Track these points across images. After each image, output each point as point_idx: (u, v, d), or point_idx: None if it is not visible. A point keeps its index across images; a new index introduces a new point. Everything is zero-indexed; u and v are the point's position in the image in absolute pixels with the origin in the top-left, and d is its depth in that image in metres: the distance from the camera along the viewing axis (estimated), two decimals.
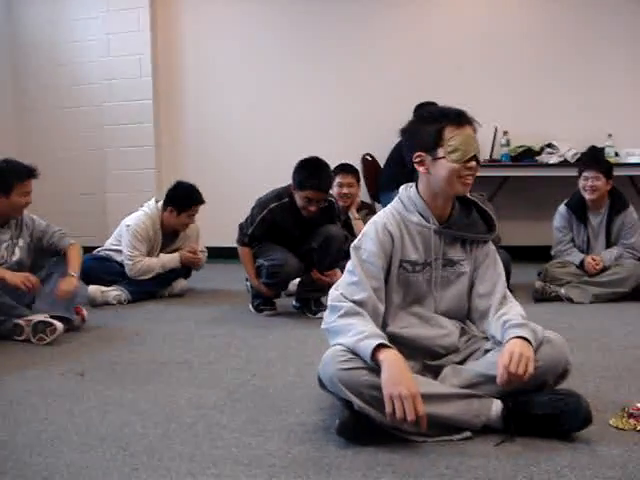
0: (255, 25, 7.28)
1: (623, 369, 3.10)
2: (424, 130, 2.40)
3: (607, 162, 5.29)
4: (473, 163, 2.37)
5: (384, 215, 2.52)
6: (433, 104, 6.36)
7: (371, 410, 2.17)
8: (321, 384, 2.33)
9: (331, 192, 5.16)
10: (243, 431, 2.37)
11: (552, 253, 5.15)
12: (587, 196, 4.94)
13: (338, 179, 5.14)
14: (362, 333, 2.24)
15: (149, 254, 5.05)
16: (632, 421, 2.35)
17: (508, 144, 6.48)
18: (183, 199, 5.09)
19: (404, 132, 2.51)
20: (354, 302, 2.35)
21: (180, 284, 5.19)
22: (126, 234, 4.99)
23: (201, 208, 5.31)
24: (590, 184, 4.91)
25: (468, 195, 2.60)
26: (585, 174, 4.94)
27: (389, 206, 2.56)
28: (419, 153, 2.41)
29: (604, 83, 6.77)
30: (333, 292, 2.44)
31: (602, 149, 6.27)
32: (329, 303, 2.42)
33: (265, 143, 7.25)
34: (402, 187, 2.57)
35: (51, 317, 3.75)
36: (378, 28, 7.09)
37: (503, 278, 2.62)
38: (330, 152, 5.93)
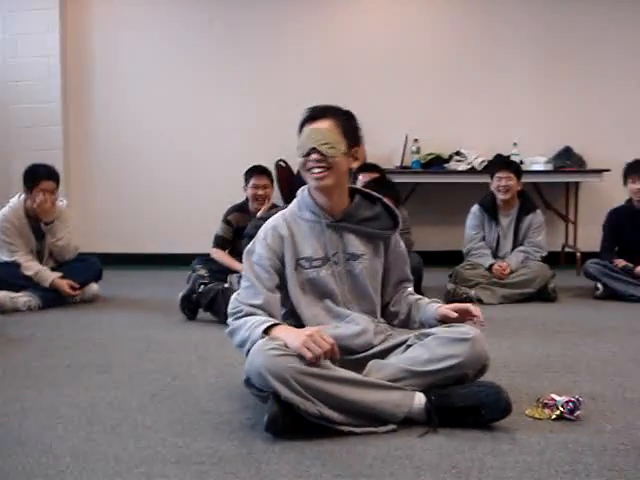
0: (167, 26, 7.21)
1: (533, 365, 3.22)
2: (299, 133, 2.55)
3: (516, 164, 5.51)
4: (314, 155, 2.46)
5: (275, 218, 2.61)
6: None
7: (298, 399, 2.20)
8: (247, 383, 2.34)
9: (245, 193, 5.21)
10: (168, 431, 2.36)
11: (464, 250, 5.32)
12: (501, 196, 5.14)
13: (253, 181, 5.15)
14: (254, 324, 2.36)
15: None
16: (547, 411, 2.45)
17: (418, 151, 6.62)
18: (27, 177, 4.97)
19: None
20: (250, 306, 2.44)
21: (92, 289, 5.08)
22: None
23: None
24: (504, 184, 5.11)
25: (372, 192, 2.69)
26: (498, 175, 5.15)
27: (286, 208, 2.66)
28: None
29: (510, 93, 7.02)
30: (232, 298, 2.52)
31: (508, 157, 6.47)
32: (229, 310, 2.50)
33: (177, 147, 7.17)
34: (300, 189, 2.65)
35: None
36: (290, 33, 7.14)
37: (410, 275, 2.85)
38: (243, 157, 5.98)
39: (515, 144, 6.57)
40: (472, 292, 4.91)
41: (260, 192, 5.10)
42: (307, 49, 7.14)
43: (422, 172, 6.50)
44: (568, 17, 7.02)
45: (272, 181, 5.31)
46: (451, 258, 5.76)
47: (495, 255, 5.19)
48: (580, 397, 2.47)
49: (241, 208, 5.24)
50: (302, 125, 2.51)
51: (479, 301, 4.84)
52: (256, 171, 5.20)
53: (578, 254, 6.46)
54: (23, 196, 5.00)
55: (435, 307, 2.64)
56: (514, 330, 4.04)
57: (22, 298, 4.74)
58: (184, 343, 3.76)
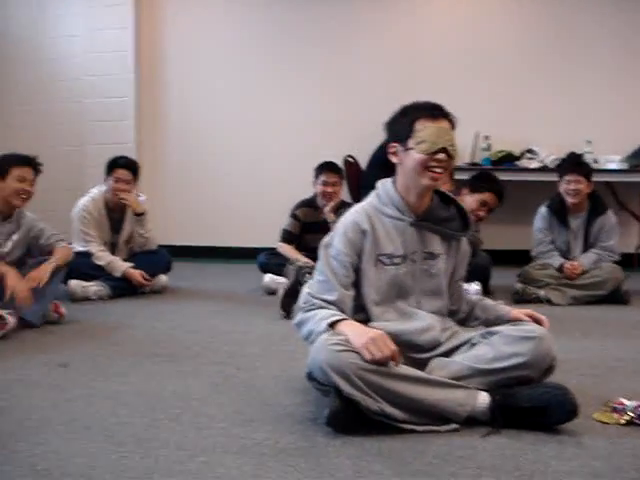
0: (239, 25, 7.28)
1: (603, 368, 3.14)
2: (400, 122, 2.48)
3: (587, 165, 5.35)
4: (441, 155, 2.40)
5: (355, 211, 2.56)
6: None
7: (359, 395, 2.18)
8: (309, 377, 2.34)
9: (314, 188, 5.22)
10: (230, 422, 2.37)
11: (532, 254, 5.19)
12: (569, 200, 4.99)
13: (323, 177, 5.16)
14: (322, 317, 2.34)
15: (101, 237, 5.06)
16: (615, 415, 2.38)
17: (489, 148, 6.53)
18: (107, 166, 5.17)
19: (385, 125, 2.56)
20: (323, 300, 2.42)
21: (161, 280, 5.16)
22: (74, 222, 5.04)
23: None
24: (572, 187, 4.95)
25: (446, 192, 2.65)
26: (567, 178, 4.99)
27: (364, 201, 2.60)
28: (393, 144, 2.49)
29: (584, 90, 6.86)
30: (304, 292, 2.50)
31: (579, 156, 6.32)
32: (300, 304, 2.49)
33: (248, 143, 7.23)
34: (380, 181, 2.61)
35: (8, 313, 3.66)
36: (361, 30, 7.12)
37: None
38: (312, 153, 6.00)
39: (589, 142, 6.41)
40: (541, 292, 4.81)
41: (329, 189, 5.10)
42: (378, 45, 7.10)
43: (492, 169, 6.37)
44: None
45: (342, 178, 5.31)
46: (521, 257, 5.64)
47: (565, 259, 5.03)
48: None
49: (309, 203, 5.26)
50: (414, 118, 2.42)
51: (548, 302, 4.76)
52: (327, 168, 5.20)
53: None
54: (104, 187, 5.11)
55: (507, 309, 2.64)
56: (584, 332, 3.94)
57: (93, 287, 4.84)
58: (249, 335, 3.79)
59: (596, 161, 6.45)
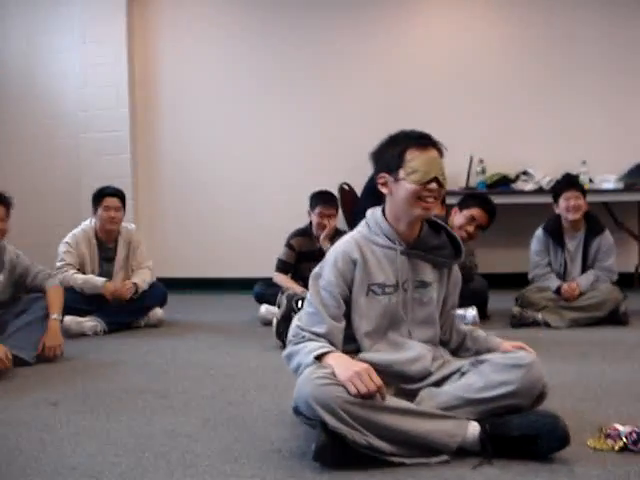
0: (232, 56, 7.32)
1: (601, 391, 3.09)
2: (388, 152, 2.44)
3: (582, 185, 5.34)
4: (433, 185, 2.38)
5: (346, 241, 2.52)
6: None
7: (346, 429, 2.14)
8: (296, 411, 2.30)
9: (309, 217, 5.20)
10: (217, 458, 2.34)
11: (529, 277, 5.15)
12: (570, 217, 4.94)
13: (319, 209, 5.14)
14: (310, 350, 2.31)
15: (84, 265, 5.00)
16: (610, 441, 2.34)
17: (484, 172, 6.53)
18: (94, 196, 5.18)
19: (372, 155, 2.53)
20: (313, 333, 2.38)
21: (156, 314, 5.12)
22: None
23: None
24: (573, 204, 4.92)
25: (437, 220, 2.62)
26: (567, 194, 4.95)
27: (354, 230, 2.57)
28: (383, 174, 2.45)
29: (578, 110, 6.85)
30: (293, 324, 2.46)
31: (577, 176, 6.31)
32: (289, 336, 2.44)
33: (243, 173, 7.24)
34: (369, 211, 2.58)
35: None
36: (355, 58, 7.15)
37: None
38: (308, 181, 5.99)
39: (584, 162, 6.40)
40: (539, 316, 4.78)
41: (326, 222, 5.07)
42: (371, 72, 7.12)
43: (487, 193, 6.36)
44: (634, 31, 6.82)
45: (337, 208, 5.29)
46: (518, 280, 5.60)
47: (563, 281, 4.99)
48: None
49: (304, 232, 5.24)
50: (403, 148, 2.39)
51: (546, 325, 4.72)
52: (323, 199, 5.18)
53: None
54: (93, 220, 5.11)
55: (498, 342, 2.62)
56: (581, 355, 3.90)
57: (88, 323, 4.81)
58: (242, 368, 3.75)
59: (592, 181, 6.44)
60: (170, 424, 2.74)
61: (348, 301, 2.47)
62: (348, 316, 2.48)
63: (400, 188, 2.41)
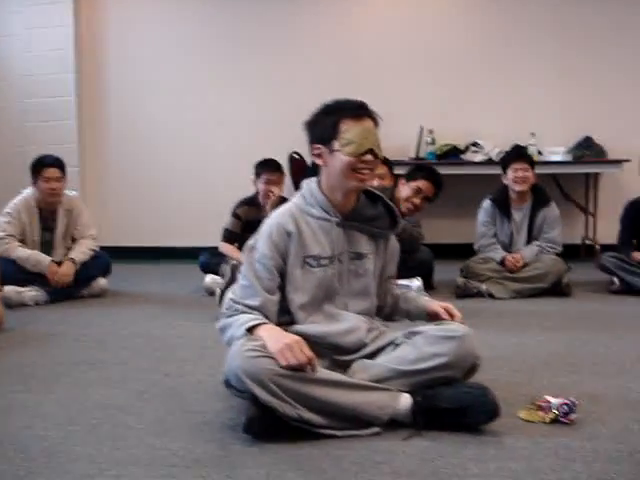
0: (179, 24, 7.14)
1: (537, 362, 3.12)
2: (322, 122, 2.39)
3: (530, 156, 5.37)
4: (368, 157, 2.34)
5: (281, 213, 2.48)
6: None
7: (276, 402, 2.12)
8: (227, 384, 2.27)
9: (255, 186, 5.15)
10: (148, 431, 2.31)
11: (475, 247, 5.18)
12: (517, 188, 4.98)
13: (265, 176, 5.08)
14: (244, 321, 2.28)
15: (25, 235, 4.91)
16: (541, 413, 2.35)
17: (434, 142, 6.51)
18: (33, 167, 5.01)
19: (306, 124, 2.47)
20: (246, 306, 2.35)
21: (100, 284, 5.04)
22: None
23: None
24: (521, 175, 4.96)
25: (374, 190, 2.59)
26: (514, 166, 4.99)
27: (290, 202, 2.52)
28: (317, 145, 2.40)
29: (528, 82, 6.85)
30: (227, 297, 2.43)
31: (525, 148, 6.33)
32: (223, 310, 2.41)
33: (191, 142, 7.11)
34: (305, 181, 2.54)
35: None
36: (306, 25, 7.05)
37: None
38: (258, 149, 5.91)
39: (533, 134, 6.41)
40: (483, 286, 4.79)
41: (272, 188, 5.01)
42: (322, 41, 7.03)
43: (437, 164, 6.36)
44: (588, 5, 6.83)
45: (283, 175, 5.24)
46: (466, 251, 5.61)
47: (508, 251, 5.02)
48: (575, 399, 2.36)
49: (250, 201, 5.18)
50: (337, 119, 2.34)
51: (490, 295, 4.74)
52: (268, 165, 5.12)
53: (597, 247, 6.31)
54: (33, 190, 4.99)
55: (426, 300, 2.63)
56: (522, 326, 3.92)
57: (29, 293, 4.71)
58: (183, 339, 3.71)
59: (540, 153, 6.46)
60: (104, 396, 2.70)
61: (283, 273, 2.43)
62: (283, 288, 2.45)
63: (335, 160, 2.37)
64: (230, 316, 2.37)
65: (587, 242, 6.76)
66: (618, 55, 6.80)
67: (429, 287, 4.96)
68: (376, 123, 2.42)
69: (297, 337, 2.20)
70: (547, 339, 3.58)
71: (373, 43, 6.97)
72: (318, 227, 2.44)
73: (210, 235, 5.67)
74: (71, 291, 4.89)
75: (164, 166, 7.13)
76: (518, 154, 5.26)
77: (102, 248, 5.30)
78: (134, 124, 7.17)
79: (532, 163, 5.07)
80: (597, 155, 6.51)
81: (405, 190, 4.58)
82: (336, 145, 2.34)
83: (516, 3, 6.89)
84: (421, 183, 4.53)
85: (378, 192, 2.61)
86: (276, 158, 5.40)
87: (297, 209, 2.48)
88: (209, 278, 5.01)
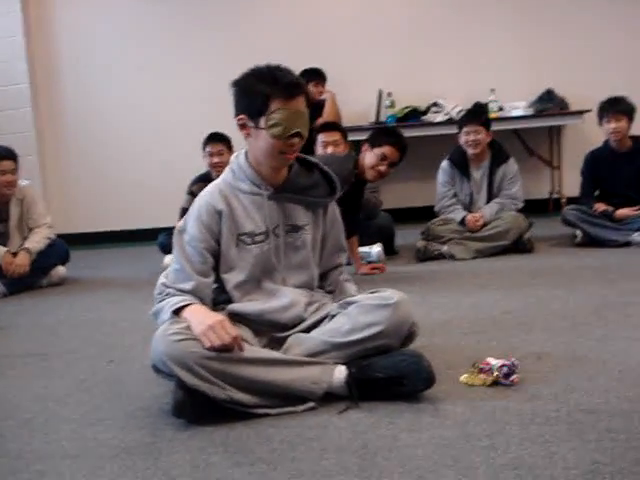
0: (133, 2, 7.01)
1: (488, 323, 3.06)
2: (251, 92, 2.26)
3: (485, 115, 5.30)
4: (295, 140, 2.25)
5: (209, 191, 2.39)
6: (318, 70, 6.28)
7: (204, 385, 2.06)
8: (155, 369, 2.19)
9: (205, 163, 5.09)
10: (81, 422, 2.24)
11: (436, 209, 5.13)
12: (470, 150, 4.94)
13: (208, 148, 5.06)
14: (173, 304, 2.22)
15: None
16: (482, 376, 2.30)
17: (393, 105, 6.43)
18: None
19: (233, 85, 2.33)
20: (178, 290, 2.28)
21: (58, 273, 4.96)
22: None
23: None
24: (472, 138, 4.90)
25: (309, 157, 2.52)
26: (465, 129, 4.94)
27: (219, 178, 2.44)
28: (243, 116, 2.30)
29: (485, 38, 6.77)
30: (158, 282, 2.35)
31: (485, 105, 6.27)
32: (155, 294, 2.34)
33: (147, 123, 7.05)
34: (234, 155, 2.46)
35: None
36: None
37: (345, 244, 2.63)
38: (216, 126, 5.76)
39: (492, 90, 6.34)
40: (444, 248, 4.75)
41: (216, 159, 4.98)
42: (278, 9, 6.94)
43: (398, 126, 6.27)
44: None
45: (229, 146, 5.16)
46: (431, 214, 5.56)
47: (469, 211, 4.99)
48: (516, 360, 2.32)
49: (204, 178, 5.11)
50: (268, 95, 2.20)
51: (452, 257, 4.70)
52: (210, 138, 5.09)
53: (563, 200, 6.27)
54: None
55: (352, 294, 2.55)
56: (479, 286, 3.88)
57: None
58: (135, 324, 3.63)
59: (502, 109, 6.40)
60: (44, 388, 2.64)
61: (217, 254, 2.36)
62: (218, 269, 2.37)
63: (260, 137, 2.27)
64: (161, 301, 2.30)
65: (554, 196, 6.72)
66: (576, 6, 6.72)
67: (392, 252, 4.92)
68: (308, 99, 2.33)
69: (221, 317, 2.14)
70: (503, 298, 3.54)
71: (330, 9, 6.88)
72: (250, 202, 2.36)
73: (170, 215, 5.57)
74: (30, 281, 4.82)
75: (124, 148, 7.04)
76: (469, 117, 5.17)
77: (64, 235, 5.26)
78: (91, 108, 7.07)
79: (486, 123, 4.99)
80: (559, 107, 6.45)
81: (370, 157, 4.40)
82: (262, 122, 2.24)
83: None
84: (386, 149, 4.34)
85: (313, 159, 2.53)
86: (234, 132, 5.30)
87: (226, 185, 2.39)
88: (168, 258, 4.93)
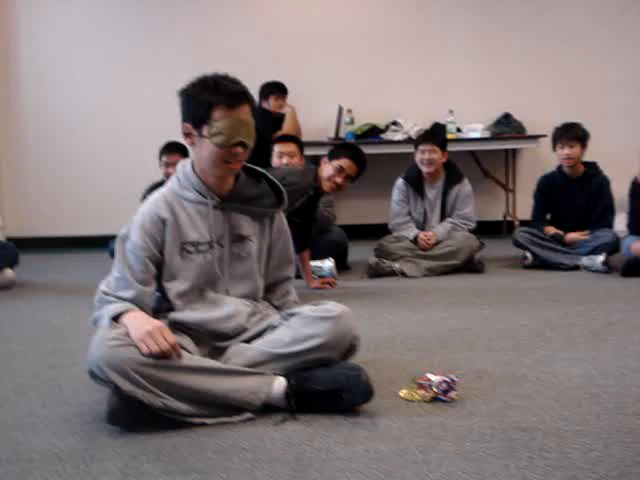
0: (95, 5, 6.96)
1: (433, 340, 3.09)
2: (195, 100, 2.26)
3: (441, 135, 5.36)
4: (239, 149, 2.25)
5: (154, 199, 2.38)
6: (280, 84, 6.29)
7: (140, 392, 2.04)
8: (92, 375, 2.15)
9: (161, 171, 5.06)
10: (14, 427, 2.20)
11: (390, 227, 5.16)
12: (425, 169, 4.98)
13: (164, 158, 5.02)
14: (112, 310, 2.19)
15: None
16: (421, 392, 2.32)
17: (352, 122, 6.46)
18: None
19: (180, 94, 2.33)
20: (118, 298, 2.26)
21: (6, 276, 4.86)
22: None
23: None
24: (427, 157, 4.95)
25: (256, 167, 2.51)
26: (422, 147, 4.99)
27: (165, 186, 2.42)
28: (187, 124, 2.30)
29: (446, 59, 6.84)
30: (98, 290, 2.32)
31: (444, 125, 6.33)
32: (95, 301, 2.32)
33: (106, 127, 6.92)
34: (180, 163, 2.45)
35: None
36: (221, 7, 6.91)
37: (293, 256, 2.61)
38: (176, 133, 5.75)
39: (451, 111, 6.40)
40: (396, 265, 4.76)
41: (171, 169, 4.90)
42: (240, 22, 6.90)
43: (357, 144, 6.28)
44: None
45: (185, 156, 5.13)
46: (387, 231, 5.58)
47: (422, 229, 5.02)
48: (456, 376, 2.33)
49: (159, 186, 5.06)
50: (211, 103, 2.20)
51: (403, 274, 4.72)
52: (167, 148, 5.05)
53: (516, 223, 6.34)
54: None
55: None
56: (428, 304, 3.90)
57: None
58: (80, 329, 3.54)
59: (460, 130, 6.47)
60: None
61: (159, 263, 2.34)
62: (160, 277, 2.35)
63: (204, 146, 2.26)
64: (100, 308, 2.28)
65: (508, 218, 6.79)
66: (536, 32, 6.84)
67: (344, 268, 4.93)
68: (253, 108, 2.33)
69: (159, 323, 2.13)
70: (449, 316, 3.56)
71: (292, 24, 6.88)
72: (195, 211, 2.35)
73: (125, 222, 5.50)
74: None
75: (81, 154, 6.94)
76: (426, 135, 5.23)
77: (16, 239, 5.16)
78: (46, 110, 6.95)
79: (443, 143, 5.04)
80: (516, 131, 6.54)
81: (327, 169, 4.42)
82: (205, 131, 2.24)
83: None
84: (343, 162, 4.34)
85: (261, 169, 2.53)
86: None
87: (172, 194, 2.38)
88: None
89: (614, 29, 6.85)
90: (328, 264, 4.52)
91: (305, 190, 4.22)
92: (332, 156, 4.35)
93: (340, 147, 4.51)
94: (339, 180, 4.28)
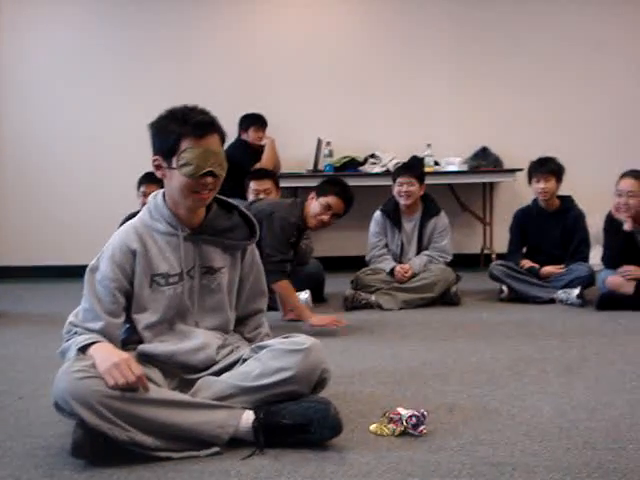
0: (79, 27, 6.95)
1: (406, 374, 3.07)
2: (164, 132, 2.27)
3: (419, 168, 5.39)
4: (208, 179, 2.24)
5: (124, 230, 2.37)
6: (259, 116, 6.32)
7: (105, 425, 2.01)
8: (57, 407, 2.11)
9: (139, 201, 5.04)
10: None
11: (367, 259, 5.15)
12: (402, 202, 5.00)
13: (142, 188, 5.01)
14: (80, 342, 2.17)
15: None
16: (391, 426, 2.30)
17: (331, 154, 6.48)
18: None
19: (150, 127, 2.34)
20: (87, 330, 2.23)
21: None
22: None
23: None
24: (405, 190, 4.96)
25: (228, 200, 2.51)
26: (399, 180, 5.00)
27: (136, 217, 2.41)
28: (156, 157, 2.30)
29: (425, 94, 6.91)
30: (67, 321, 2.30)
31: (422, 159, 6.36)
32: (63, 333, 2.29)
33: (88, 156, 6.92)
34: (152, 195, 2.44)
35: None
36: (201, 38, 6.95)
37: (265, 289, 2.59)
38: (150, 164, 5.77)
39: (429, 145, 6.44)
40: (372, 298, 4.76)
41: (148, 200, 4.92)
42: (220, 53, 6.95)
43: (335, 175, 6.30)
44: (481, 18, 6.93)
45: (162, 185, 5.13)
46: (364, 263, 5.58)
47: (400, 262, 5.01)
48: (425, 411, 2.32)
49: (135, 216, 5.06)
50: (179, 135, 2.21)
51: (379, 307, 4.71)
52: (145, 178, 5.04)
53: (493, 256, 6.37)
54: None
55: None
56: (403, 336, 3.90)
57: None
58: (50, 360, 3.48)
59: (437, 163, 6.50)
60: None
61: (129, 294, 2.32)
62: (129, 309, 2.34)
63: (173, 177, 2.26)
64: (69, 339, 2.25)
65: (485, 252, 6.82)
66: (512, 68, 6.92)
67: (320, 299, 4.92)
68: (223, 137, 2.33)
69: (126, 355, 2.11)
70: (423, 349, 3.55)
71: (272, 55, 6.93)
72: (165, 243, 2.34)
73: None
74: None
75: (57, 184, 6.91)
76: (404, 168, 5.24)
77: None
78: (28, 139, 6.93)
79: (420, 176, 5.07)
80: (493, 165, 6.59)
81: (315, 206, 4.35)
82: (174, 163, 2.24)
83: (413, 19, 6.97)
84: (331, 199, 4.29)
85: (233, 202, 2.53)
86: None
87: (142, 225, 2.37)
88: None
89: (590, 65, 6.96)
90: (304, 296, 4.49)
91: (293, 226, 4.23)
92: (319, 192, 4.32)
93: (328, 183, 4.45)
94: (325, 218, 4.25)
